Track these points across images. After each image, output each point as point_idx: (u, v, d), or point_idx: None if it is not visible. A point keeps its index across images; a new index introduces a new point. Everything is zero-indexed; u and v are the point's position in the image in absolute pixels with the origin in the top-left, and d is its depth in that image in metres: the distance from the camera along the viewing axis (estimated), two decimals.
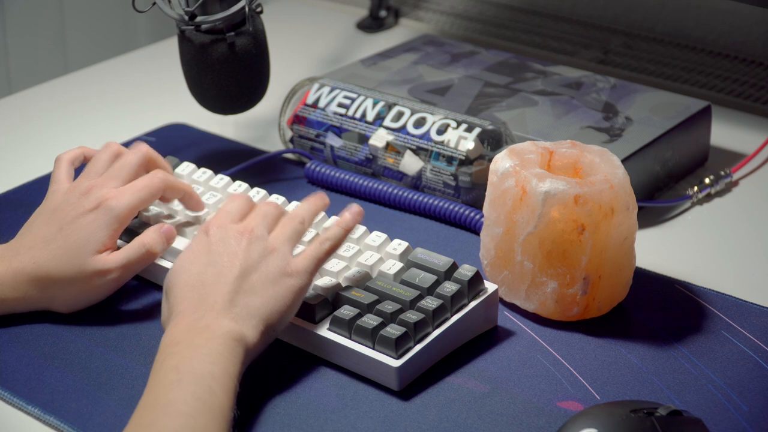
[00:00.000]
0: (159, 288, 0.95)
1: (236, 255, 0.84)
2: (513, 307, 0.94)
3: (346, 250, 0.92)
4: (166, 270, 0.94)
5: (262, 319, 0.83)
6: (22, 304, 0.91)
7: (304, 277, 0.85)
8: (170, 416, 0.75)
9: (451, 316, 0.87)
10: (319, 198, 0.92)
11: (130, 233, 0.97)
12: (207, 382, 0.77)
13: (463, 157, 1.05)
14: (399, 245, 0.93)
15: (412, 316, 0.85)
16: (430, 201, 1.06)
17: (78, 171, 0.98)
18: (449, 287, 0.88)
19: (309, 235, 0.94)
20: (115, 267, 0.90)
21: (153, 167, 0.97)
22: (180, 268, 0.85)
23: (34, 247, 0.91)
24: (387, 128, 1.09)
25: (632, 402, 0.77)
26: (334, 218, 0.95)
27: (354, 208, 0.90)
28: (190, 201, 0.98)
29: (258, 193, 1.01)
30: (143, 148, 0.96)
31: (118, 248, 0.93)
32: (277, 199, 1.00)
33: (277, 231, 0.87)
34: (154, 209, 0.99)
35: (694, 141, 1.14)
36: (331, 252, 0.87)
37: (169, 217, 0.99)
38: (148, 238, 0.92)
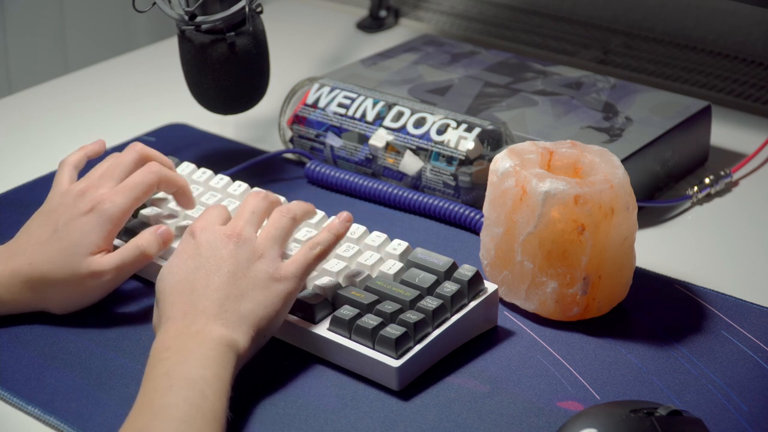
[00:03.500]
0: None
1: (224, 260, 0.84)
2: (513, 307, 0.94)
3: (346, 250, 0.92)
4: None
5: (252, 325, 0.82)
6: (18, 306, 0.91)
7: (293, 282, 0.85)
8: (163, 421, 0.75)
9: (451, 316, 0.87)
10: (309, 206, 0.92)
11: (129, 233, 0.97)
12: (199, 386, 0.77)
13: (463, 157, 1.04)
14: (399, 245, 0.93)
15: (412, 316, 0.85)
16: (430, 201, 1.06)
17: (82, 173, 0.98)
18: (449, 287, 0.88)
19: (302, 233, 0.94)
20: (109, 269, 0.90)
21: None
22: (168, 273, 0.85)
23: (30, 248, 0.91)
24: (387, 128, 1.09)
25: (632, 402, 0.77)
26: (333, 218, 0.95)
27: (343, 215, 0.90)
28: (183, 197, 0.97)
29: None
30: (138, 147, 0.96)
31: (116, 248, 0.93)
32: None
33: (265, 230, 0.87)
34: (155, 209, 0.99)
35: (694, 141, 1.14)
36: (320, 257, 0.87)
37: (170, 217, 0.99)
38: (143, 239, 0.92)
